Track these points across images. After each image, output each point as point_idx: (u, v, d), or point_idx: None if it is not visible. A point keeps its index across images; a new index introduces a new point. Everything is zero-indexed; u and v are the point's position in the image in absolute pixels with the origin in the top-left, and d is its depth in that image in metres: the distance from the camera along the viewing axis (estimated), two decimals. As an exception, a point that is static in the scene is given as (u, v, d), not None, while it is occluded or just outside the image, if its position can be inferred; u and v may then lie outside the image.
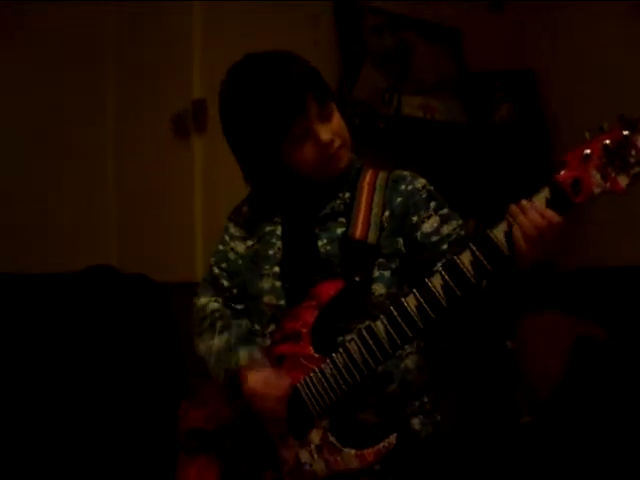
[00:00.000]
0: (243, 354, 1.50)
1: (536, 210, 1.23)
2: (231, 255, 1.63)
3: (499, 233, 1.26)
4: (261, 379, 1.47)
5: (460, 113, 3.64)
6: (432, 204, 1.50)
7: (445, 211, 1.50)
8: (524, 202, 1.24)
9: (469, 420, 2.73)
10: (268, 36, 3.10)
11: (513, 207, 1.26)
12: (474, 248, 1.27)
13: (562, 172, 1.21)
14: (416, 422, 1.51)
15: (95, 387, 2.54)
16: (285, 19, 3.18)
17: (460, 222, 1.49)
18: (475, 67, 3.75)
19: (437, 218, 1.48)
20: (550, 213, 1.22)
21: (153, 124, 3.12)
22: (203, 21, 3.03)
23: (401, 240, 1.50)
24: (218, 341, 1.55)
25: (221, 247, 1.65)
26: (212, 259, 1.66)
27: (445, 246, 1.45)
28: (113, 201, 3.28)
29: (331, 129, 1.47)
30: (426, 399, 1.53)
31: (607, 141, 1.18)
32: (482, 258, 1.26)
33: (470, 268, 1.27)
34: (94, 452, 2.43)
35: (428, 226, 1.48)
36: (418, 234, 1.48)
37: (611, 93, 3.28)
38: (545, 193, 1.22)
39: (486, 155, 3.49)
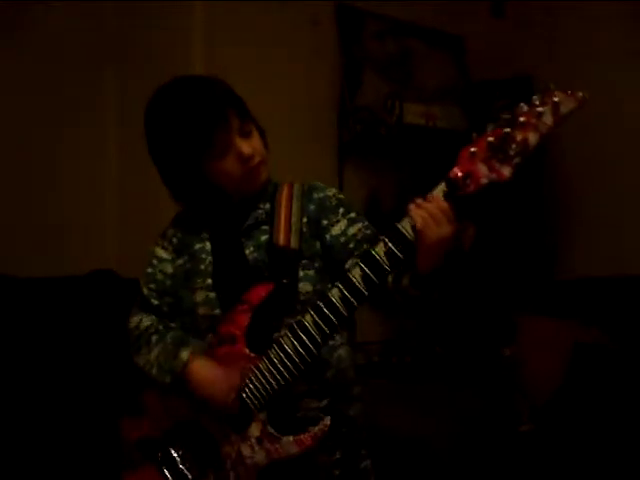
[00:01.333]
0: (184, 353, 1.57)
1: (429, 202, 1.39)
2: (159, 276, 1.69)
3: (405, 225, 1.40)
4: (208, 367, 1.55)
5: (461, 121, 3.65)
6: (341, 210, 1.64)
7: (352, 215, 1.63)
8: (418, 199, 1.41)
9: (467, 428, 2.74)
10: (269, 38, 3.14)
11: (411, 204, 1.41)
12: (386, 239, 1.41)
13: (454, 168, 1.39)
14: (354, 409, 1.62)
15: (96, 388, 2.55)
16: (286, 21, 3.20)
17: (365, 223, 1.63)
18: (476, 73, 3.77)
19: (345, 221, 1.62)
20: (440, 202, 1.38)
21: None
22: (204, 22, 3.05)
23: (318, 243, 1.62)
24: (155, 352, 1.62)
25: (149, 270, 1.71)
26: (141, 281, 1.72)
27: (352, 245, 1.59)
28: (114, 203, 3.28)
29: (251, 145, 1.58)
30: (359, 388, 1.65)
31: (490, 138, 1.35)
32: (392, 247, 1.40)
33: (384, 257, 1.41)
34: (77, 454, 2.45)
35: (337, 229, 1.62)
36: (327, 236, 1.62)
37: (610, 100, 3.30)
38: (442, 187, 1.39)
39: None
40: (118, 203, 3.29)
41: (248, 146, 1.56)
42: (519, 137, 1.33)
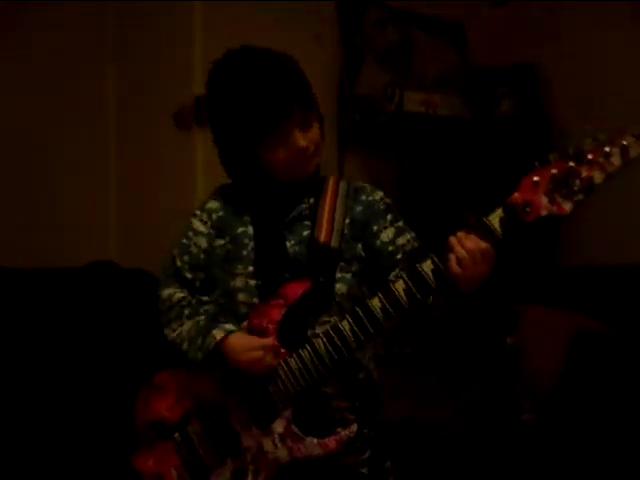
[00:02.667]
0: (217, 331, 1.55)
1: (470, 240, 1.38)
2: (194, 249, 1.66)
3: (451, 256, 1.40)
4: (243, 337, 1.53)
5: (462, 108, 3.63)
6: (389, 216, 1.62)
7: (400, 224, 1.62)
8: (461, 232, 1.40)
9: (469, 418, 2.73)
10: (270, 30, 3.12)
11: (453, 237, 1.40)
12: (435, 258, 1.41)
13: (515, 195, 1.38)
14: (379, 411, 1.63)
15: (96, 381, 2.55)
16: (287, 13, 3.18)
17: (413, 235, 1.62)
18: (477, 61, 3.75)
19: (393, 229, 1.61)
20: (481, 243, 1.38)
21: (154, 119, 3.13)
22: (204, 17, 3.04)
23: (360, 245, 1.61)
24: (186, 326, 1.61)
25: (184, 241, 1.68)
26: (174, 251, 1.70)
27: (399, 256, 1.58)
28: (113, 195, 3.29)
29: (308, 137, 1.55)
30: (381, 390, 1.64)
31: (554, 170, 1.36)
32: (441, 266, 1.41)
33: (431, 275, 1.41)
34: (88, 444, 2.45)
35: (385, 236, 1.60)
36: (377, 242, 1.60)
37: (612, 88, 3.29)
38: (499, 212, 1.38)
39: (487, 150, 3.49)
40: (117, 195, 3.29)
41: (305, 138, 1.54)
42: (584, 174, 1.34)
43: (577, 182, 1.34)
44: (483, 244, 1.37)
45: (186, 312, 1.63)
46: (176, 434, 1.61)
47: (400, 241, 1.59)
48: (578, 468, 2.43)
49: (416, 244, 1.59)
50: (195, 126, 2.99)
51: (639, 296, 2.94)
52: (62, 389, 2.50)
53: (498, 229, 1.38)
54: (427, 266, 1.41)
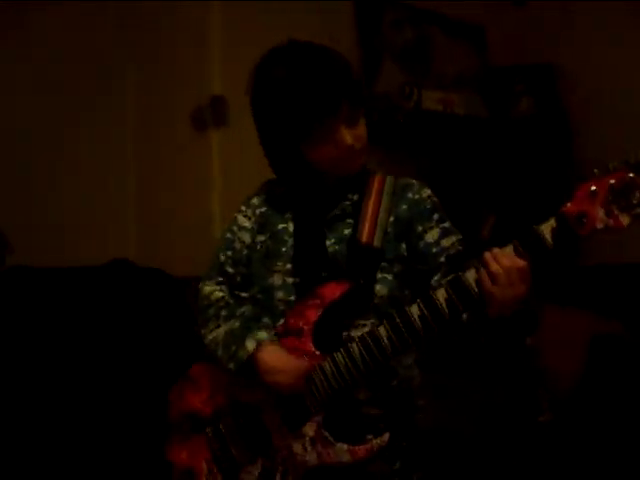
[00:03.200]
0: (250, 342, 1.52)
1: (505, 256, 1.32)
2: (237, 244, 1.65)
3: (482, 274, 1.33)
4: (276, 354, 1.50)
5: (480, 107, 3.62)
6: (435, 216, 1.55)
7: (446, 224, 1.55)
8: (496, 249, 1.33)
9: (487, 418, 2.72)
10: (286, 30, 3.10)
11: (488, 253, 1.34)
12: (481, 268, 1.34)
13: (569, 204, 1.29)
14: (420, 417, 1.57)
15: (111, 379, 2.56)
16: (303, 14, 3.18)
17: (460, 237, 1.54)
18: (495, 61, 3.73)
19: (438, 230, 1.54)
20: (517, 261, 1.31)
21: (172, 119, 3.14)
22: (222, 18, 3.04)
23: (404, 245, 1.55)
24: (222, 330, 1.59)
25: (228, 235, 1.67)
26: (219, 246, 1.69)
27: (443, 259, 1.51)
28: (132, 195, 3.29)
29: (355, 134, 1.51)
30: (423, 400, 1.58)
31: (612, 181, 1.26)
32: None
33: (474, 285, 1.34)
34: (105, 439, 2.48)
35: (430, 237, 1.53)
36: (421, 243, 1.53)
37: (630, 87, 3.26)
38: (551, 222, 1.30)
39: (505, 149, 3.47)
40: (136, 195, 3.30)
41: (352, 135, 1.49)
42: None
43: (637, 194, 1.25)
44: (520, 262, 1.30)
45: (223, 313, 1.61)
46: (208, 428, 1.60)
47: (445, 243, 1.52)
48: (594, 470, 2.41)
49: (461, 248, 1.51)
50: (212, 126, 2.99)
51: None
52: (77, 385, 2.51)
53: (549, 240, 1.29)
54: (471, 275, 1.34)
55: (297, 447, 1.48)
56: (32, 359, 2.49)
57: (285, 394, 1.49)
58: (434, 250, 1.52)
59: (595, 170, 1.28)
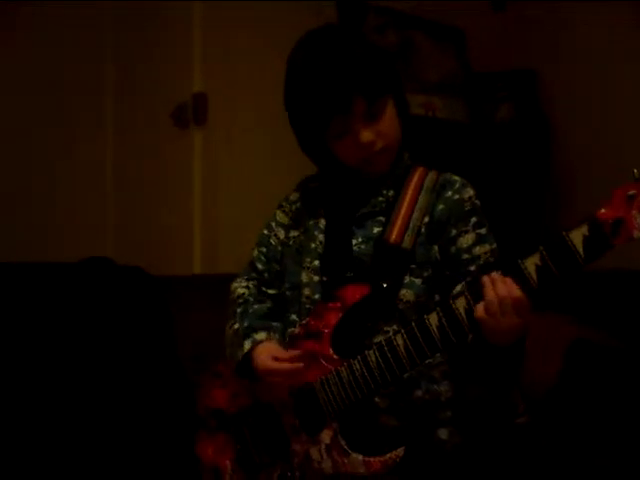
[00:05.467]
0: (247, 342, 1.50)
1: (504, 283, 1.22)
2: (273, 240, 1.63)
3: (530, 265, 1.22)
4: (265, 354, 1.47)
5: (462, 112, 3.63)
6: (472, 219, 1.46)
7: (483, 231, 1.46)
8: (495, 273, 1.24)
9: (465, 420, 2.73)
10: (269, 32, 3.11)
11: (486, 277, 1.25)
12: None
13: (603, 210, 1.16)
14: (443, 432, 1.49)
15: (90, 379, 2.54)
16: (287, 15, 3.18)
17: (494, 247, 1.45)
18: (477, 66, 3.75)
19: (473, 235, 1.44)
20: (515, 291, 1.21)
21: (153, 117, 3.12)
22: (203, 15, 3.03)
23: (436, 247, 1.46)
24: (233, 330, 1.57)
25: (266, 232, 1.65)
26: (257, 241, 1.67)
27: (473, 267, 1.42)
28: (111, 193, 3.28)
29: (376, 130, 1.43)
30: (450, 412, 1.51)
31: None
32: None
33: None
34: (97, 437, 2.45)
35: (463, 241, 1.44)
36: (452, 248, 1.45)
37: (612, 94, 3.28)
38: (583, 230, 1.17)
39: (486, 154, 3.49)
40: (115, 193, 3.28)
41: (369, 133, 1.41)
42: None
43: None
44: (517, 292, 1.20)
45: (239, 310, 1.58)
46: (232, 428, 1.57)
47: (477, 250, 1.43)
48: (571, 472, 2.42)
49: (492, 259, 1.42)
50: (193, 125, 2.98)
51: (635, 303, 2.92)
52: (56, 382, 2.49)
53: (580, 250, 1.17)
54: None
55: (314, 453, 1.43)
56: (7, 356, 2.46)
57: (284, 396, 1.46)
58: (465, 257, 1.43)
59: (635, 170, 1.16)
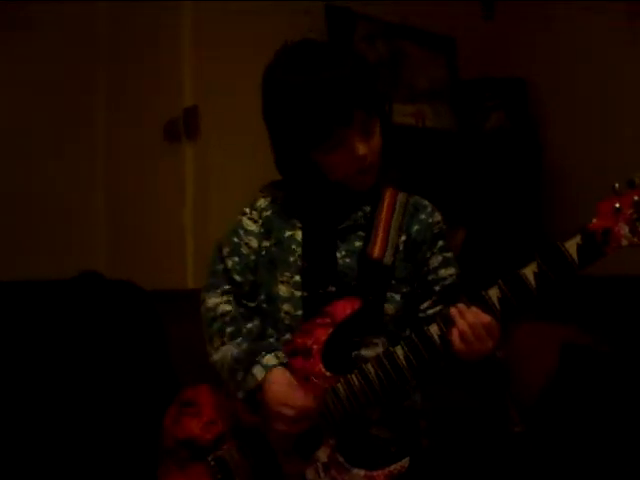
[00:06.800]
0: (258, 370, 1.44)
1: (472, 313, 1.31)
2: (244, 249, 1.58)
3: (528, 273, 1.31)
4: (284, 387, 1.42)
5: (451, 120, 3.64)
6: (440, 242, 1.54)
7: (449, 255, 1.54)
8: (461, 305, 1.32)
9: (459, 430, 2.72)
10: (259, 44, 3.11)
11: (454, 309, 1.32)
12: (503, 285, 1.32)
13: (594, 220, 1.27)
14: (422, 442, 1.53)
15: (80, 394, 2.52)
16: (276, 28, 3.18)
17: (458, 272, 1.53)
18: (467, 74, 3.76)
19: (440, 258, 1.52)
20: (483, 317, 1.30)
21: (144, 131, 3.12)
22: (193, 30, 3.03)
23: (411, 266, 1.51)
24: (229, 351, 1.50)
25: (235, 239, 1.59)
26: (225, 250, 1.60)
27: (438, 287, 1.50)
28: (103, 207, 3.26)
29: (368, 145, 1.46)
30: (425, 422, 1.55)
31: (637, 197, 1.25)
32: (509, 293, 1.32)
33: (498, 305, 1.32)
34: (75, 461, 2.40)
35: (431, 263, 1.52)
36: (424, 268, 1.52)
37: (602, 101, 3.30)
38: (577, 239, 1.28)
39: (476, 163, 3.50)
40: (106, 207, 3.27)
41: (365, 146, 1.44)
42: None
43: None
44: (486, 318, 1.30)
45: (228, 330, 1.52)
46: (210, 457, 1.51)
47: (443, 273, 1.51)
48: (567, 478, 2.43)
49: (456, 281, 1.51)
50: (185, 138, 2.98)
51: (635, 308, 2.93)
52: (46, 398, 2.46)
53: (575, 257, 1.27)
54: (494, 293, 1.32)
55: (310, 473, 1.41)
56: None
57: (287, 429, 1.41)
58: (430, 277, 1.51)
59: (616, 185, 1.27)
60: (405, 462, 1.38)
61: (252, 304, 1.58)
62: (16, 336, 2.52)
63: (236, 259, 1.58)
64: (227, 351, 1.50)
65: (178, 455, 1.55)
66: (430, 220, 1.55)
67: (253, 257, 1.57)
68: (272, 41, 3.11)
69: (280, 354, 1.46)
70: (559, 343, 2.84)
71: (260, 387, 1.43)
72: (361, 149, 1.44)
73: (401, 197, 1.57)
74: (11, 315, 2.56)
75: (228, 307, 1.55)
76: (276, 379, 1.42)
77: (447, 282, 1.51)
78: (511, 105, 3.59)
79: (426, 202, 1.59)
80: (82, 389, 2.54)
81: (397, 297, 1.48)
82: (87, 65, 3.19)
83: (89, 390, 2.54)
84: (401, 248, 1.51)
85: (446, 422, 2.70)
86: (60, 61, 3.10)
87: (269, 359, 1.44)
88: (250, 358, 1.46)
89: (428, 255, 1.52)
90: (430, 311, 1.50)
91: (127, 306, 2.74)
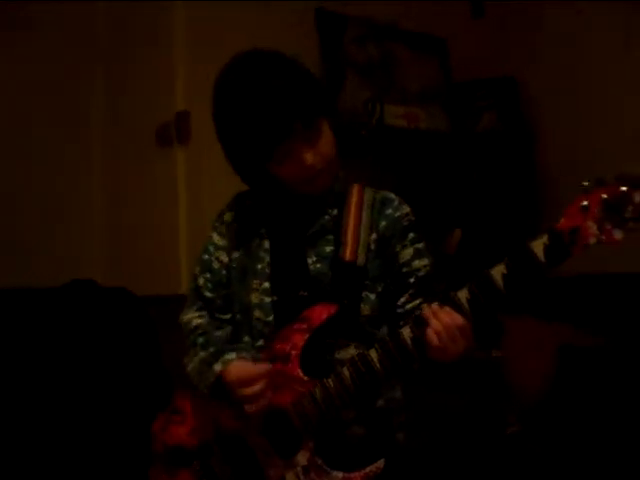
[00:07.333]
0: (217, 365, 1.49)
1: (446, 313, 1.31)
2: (215, 265, 1.60)
3: (496, 273, 1.30)
4: (239, 369, 1.45)
5: (444, 122, 3.64)
6: (410, 235, 1.53)
7: (420, 246, 1.53)
8: (435, 305, 1.32)
9: (455, 430, 2.72)
10: (250, 40, 3.09)
11: (428, 308, 1.33)
12: (472, 286, 1.32)
13: (561, 220, 1.26)
14: (400, 436, 1.53)
15: (75, 401, 2.51)
16: (268, 30, 3.18)
17: (432, 261, 1.53)
18: (458, 75, 3.76)
19: (412, 250, 1.51)
20: (457, 318, 1.30)
21: (137, 136, 3.11)
22: (186, 34, 3.03)
23: (383, 263, 1.51)
24: (198, 358, 1.55)
25: (205, 256, 1.62)
26: (196, 268, 1.63)
27: (413, 279, 1.50)
28: (97, 212, 3.25)
29: (316, 151, 1.45)
30: (408, 414, 1.56)
31: (605, 195, 1.23)
32: (479, 293, 1.31)
33: (466, 304, 1.32)
34: (71, 463, 2.40)
35: (402, 256, 1.51)
36: (395, 262, 1.51)
37: (593, 100, 3.30)
38: (544, 239, 1.27)
39: (469, 164, 3.50)
40: (101, 213, 3.26)
41: (311, 155, 1.43)
42: (637, 199, 1.21)
43: (629, 208, 1.22)
44: (459, 318, 1.30)
45: (200, 341, 1.56)
46: (195, 462, 1.54)
47: (416, 264, 1.50)
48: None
49: (431, 271, 1.51)
50: (177, 143, 2.97)
51: (633, 305, 2.93)
52: (41, 406, 2.46)
53: (542, 257, 1.26)
54: (463, 295, 1.31)
55: (290, 477, 1.43)
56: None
57: (257, 408, 1.44)
58: (404, 270, 1.50)
59: (584, 183, 1.26)
60: (380, 463, 1.40)
61: (226, 316, 1.60)
62: (11, 343, 2.51)
63: (208, 275, 1.61)
64: (197, 359, 1.55)
65: (167, 460, 1.58)
66: (397, 214, 1.53)
67: (224, 272, 1.59)
68: (263, 34, 3.13)
69: (245, 354, 1.50)
70: (555, 343, 2.84)
71: (220, 380, 1.46)
72: (308, 159, 1.44)
73: (368, 194, 1.56)
74: (6, 323, 2.55)
75: (200, 320, 1.60)
76: (233, 369, 1.45)
77: (421, 273, 1.50)
78: (503, 105, 3.60)
79: (392, 195, 1.58)
80: (77, 395, 2.53)
81: (372, 296, 1.49)
82: (86, 65, 3.17)
83: (84, 396, 2.54)
84: (372, 247, 1.51)
85: (439, 423, 2.70)
86: (60, 61, 3.08)
87: (229, 355, 1.48)
88: (215, 357, 1.51)
89: (398, 249, 1.51)
90: (408, 305, 1.49)
91: (121, 313, 2.73)
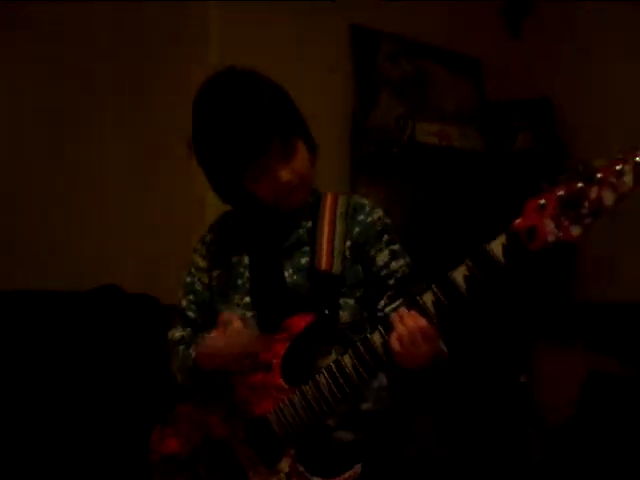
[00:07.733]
0: (192, 350, 1.54)
1: (410, 317, 1.32)
2: (198, 286, 1.65)
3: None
4: (212, 341, 1.47)
5: (477, 141, 3.62)
6: (385, 237, 1.55)
7: (396, 247, 1.56)
8: (402, 309, 1.34)
9: (480, 456, 2.67)
10: (284, 62, 3.10)
11: (395, 314, 1.35)
12: (436, 289, 1.33)
13: (518, 220, 1.27)
14: (387, 443, 1.54)
15: (97, 406, 2.51)
16: (302, 44, 3.18)
17: (408, 260, 1.55)
18: (493, 94, 3.74)
19: (387, 252, 1.54)
20: (419, 320, 1.31)
21: (167, 145, 3.11)
22: (218, 47, 3.04)
23: (361, 269, 1.54)
24: (178, 359, 1.61)
25: (188, 279, 1.67)
26: (180, 291, 1.69)
27: (392, 281, 1.52)
28: (126, 220, 3.23)
29: (292, 168, 1.49)
30: (397, 417, 1.57)
31: (562, 192, 1.24)
32: (443, 298, 1.32)
33: (433, 309, 1.33)
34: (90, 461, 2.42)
35: (380, 259, 1.54)
36: (373, 266, 1.54)
37: (629, 120, 3.26)
38: (502, 239, 1.28)
39: (503, 183, 3.47)
40: (128, 223, 3.24)
41: (287, 172, 1.48)
42: (593, 195, 1.21)
43: (585, 204, 1.22)
44: (422, 322, 1.31)
45: (181, 349, 1.62)
46: (187, 471, 1.57)
47: (394, 266, 1.53)
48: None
49: (408, 271, 1.54)
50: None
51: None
52: (62, 410, 2.46)
53: (501, 257, 1.27)
54: (428, 298, 1.34)
55: None
56: (15, 384, 2.42)
57: (237, 370, 1.46)
58: (383, 272, 1.53)
59: (544, 183, 1.28)
60: (357, 468, 1.41)
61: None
62: (33, 347, 2.51)
63: (191, 297, 1.65)
64: (179, 357, 1.61)
65: (163, 469, 1.62)
66: (369, 219, 1.56)
67: (207, 293, 1.63)
68: (298, 61, 3.12)
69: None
70: (584, 370, 2.80)
71: (196, 360, 1.50)
72: (284, 176, 1.48)
73: (341, 202, 1.59)
74: (27, 325, 2.56)
75: (182, 333, 1.65)
76: (205, 342, 1.47)
77: (399, 274, 1.53)
78: (538, 125, 3.57)
79: (364, 201, 1.61)
80: (95, 399, 2.53)
81: (351, 302, 1.52)
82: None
83: (103, 400, 2.53)
84: (348, 254, 1.53)
85: (466, 448, 2.66)
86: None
87: (201, 339, 1.51)
88: (190, 350, 1.56)
89: (373, 253, 1.54)
90: (388, 308, 1.52)
91: (144, 319, 2.73)
